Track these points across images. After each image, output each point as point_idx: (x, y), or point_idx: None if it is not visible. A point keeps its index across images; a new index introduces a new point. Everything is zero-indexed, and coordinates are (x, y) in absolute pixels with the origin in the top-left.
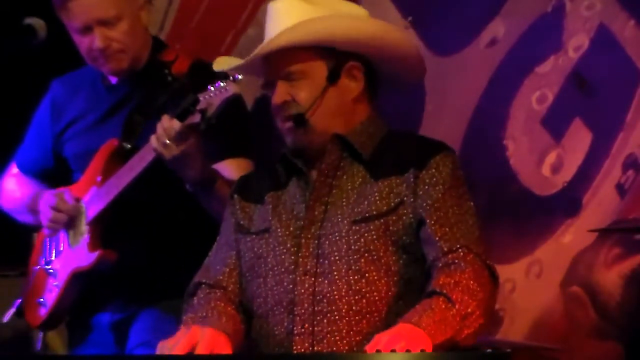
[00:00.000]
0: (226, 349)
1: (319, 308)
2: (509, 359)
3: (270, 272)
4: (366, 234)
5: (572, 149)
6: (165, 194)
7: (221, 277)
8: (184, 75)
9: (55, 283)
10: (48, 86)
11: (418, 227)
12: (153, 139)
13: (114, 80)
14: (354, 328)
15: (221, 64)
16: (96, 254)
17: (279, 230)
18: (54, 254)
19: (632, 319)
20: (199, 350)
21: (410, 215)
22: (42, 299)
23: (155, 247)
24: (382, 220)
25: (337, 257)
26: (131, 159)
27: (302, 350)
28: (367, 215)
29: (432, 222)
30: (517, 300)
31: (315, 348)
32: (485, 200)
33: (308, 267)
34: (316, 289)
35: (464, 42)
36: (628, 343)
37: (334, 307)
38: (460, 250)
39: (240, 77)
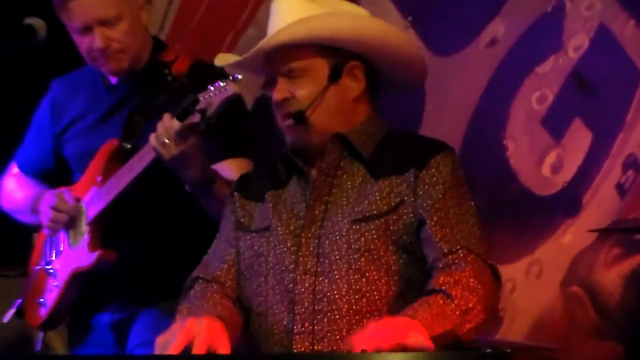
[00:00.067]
0: (223, 336)
1: (319, 307)
2: (509, 359)
3: (271, 271)
4: (366, 234)
5: (572, 149)
6: (165, 194)
7: (219, 273)
8: (184, 75)
9: (55, 283)
10: (48, 86)
11: (418, 227)
12: (152, 138)
13: (114, 80)
14: (354, 327)
15: (222, 59)
16: (96, 254)
17: (279, 229)
18: (54, 254)
19: (632, 319)
20: (197, 344)
21: (411, 215)
22: (42, 299)
23: (155, 247)
24: (382, 220)
25: (337, 257)
26: (131, 159)
27: (302, 349)
28: (367, 214)
29: (433, 223)
30: (517, 300)
31: (316, 347)
32: (485, 200)
33: (308, 266)
34: (316, 288)
35: (464, 42)
36: (628, 343)
37: (334, 307)
38: (460, 251)
39: (240, 77)
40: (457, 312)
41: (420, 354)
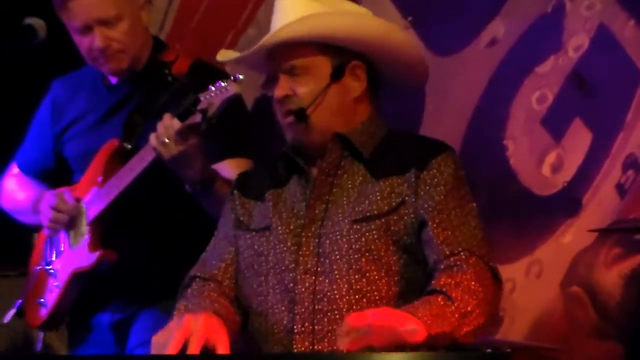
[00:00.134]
0: (221, 331)
1: (320, 307)
2: (509, 359)
3: (272, 271)
4: (367, 234)
5: (572, 149)
6: (166, 194)
7: (216, 272)
8: (185, 75)
9: (55, 283)
10: (48, 86)
11: (419, 227)
12: (152, 138)
13: (114, 80)
14: None
15: (224, 55)
16: (97, 254)
17: (279, 228)
18: (54, 255)
19: (632, 319)
20: (194, 341)
21: (412, 216)
22: (42, 300)
23: (156, 247)
24: (383, 220)
25: (337, 257)
26: (131, 159)
27: (302, 349)
28: (368, 214)
29: (434, 224)
30: (517, 300)
31: (316, 347)
32: (485, 200)
33: (308, 265)
34: (316, 288)
35: (464, 42)
36: (628, 343)
37: (334, 307)
38: (462, 253)
39: (241, 76)
40: (457, 315)
41: (420, 354)
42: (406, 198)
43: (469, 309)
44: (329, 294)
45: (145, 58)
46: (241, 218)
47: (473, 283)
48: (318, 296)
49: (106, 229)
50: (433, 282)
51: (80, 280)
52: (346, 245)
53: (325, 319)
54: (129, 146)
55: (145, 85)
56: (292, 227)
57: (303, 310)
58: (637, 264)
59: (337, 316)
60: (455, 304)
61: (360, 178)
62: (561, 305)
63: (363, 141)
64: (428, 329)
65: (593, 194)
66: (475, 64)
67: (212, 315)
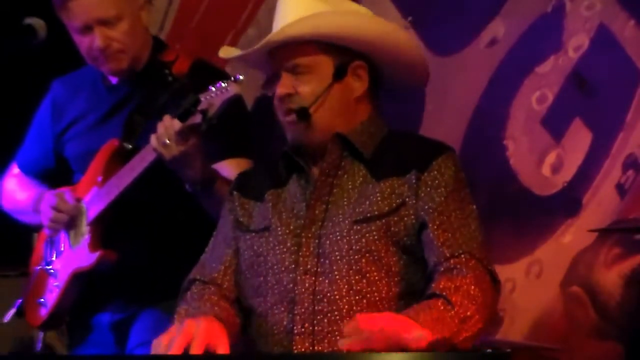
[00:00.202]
0: (222, 337)
1: (319, 308)
2: (509, 359)
3: (270, 271)
4: (367, 234)
5: (572, 149)
6: (166, 195)
7: (216, 275)
8: (185, 76)
9: (55, 283)
10: (49, 86)
11: (419, 229)
12: (153, 139)
13: (114, 80)
14: None
15: (227, 52)
16: (97, 254)
17: (279, 229)
18: (54, 255)
19: (632, 319)
20: (195, 346)
21: (412, 217)
22: (42, 299)
23: (156, 247)
24: (383, 221)
25: (337, 257)
26: (132, 159)
27: (302, 350)
28: (368, 215)
29: (435, 226)
30: (517, 300)
31: (316, 348)
32: (485, 200)
33: (308, 266)
34: (316, 289)
35: (464, 42)
36: (628, 343)
37: (334, 307)
38: (462, 255)
39: (241, 77)
40: (456, 320)
41: (420, 354)
42: (407, 199)
43: (468, 314)
44: (329, 294)
45: (146, 58)
46: (240, 219)
47: (472, 287)
48: (318, 297)
49: (106, 229)
50: (433, 285)
51: (80, 280)
52: (346, 246)
53: (325, 320)
54: (129, 146)
55: (146, 85)
56: (292, 227)
57: (303, 310)
58: (637, 264)
59: (337, 317)
60: (455, 309)
61: (361, 179)
62: (561, 305)
63: (363, 141)
64: (430, 334)
65: (593, 194)
66: (475, 64)
67: (213, 320)
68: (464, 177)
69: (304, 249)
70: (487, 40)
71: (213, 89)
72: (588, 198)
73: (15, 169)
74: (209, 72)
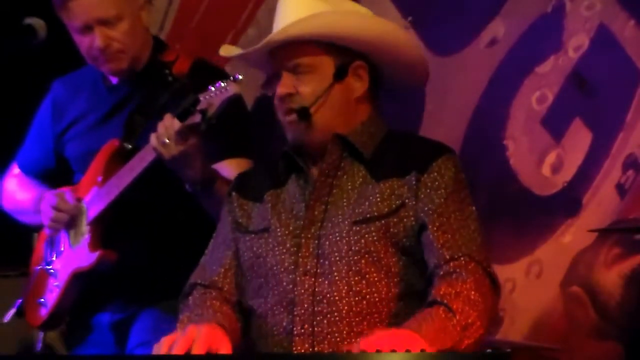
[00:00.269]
0: (224, 342)
1: (319, 309)
2: (509, 359)
3: (270, 272)
4: (367, 235)
5: (572, 149)
6: (166, 194)
7: (216, 278)
8: (185, 76)
9: (55, 283)
10: (49, 86)
11: (419, 230)
12: (153, 138)
13: (114, 80)
14: (355, 329)
15: (228, 50)
16: (97, 254)
17: (278, 230)
18: (54, 254)
19: (632, 319)
20: (196, 348)
21: (412, 218)
22: (42, 299)
23: (156, 247)
24: (382, 222)
25: (337, 258)
26: (132, 159)
27: (302, 351)
28: (367, 216)
29: (435, 228)
30: (517, 300)
31: (316, 348)
32: (485, 200)
33: (308, 267)
34: (316, 290)
35: (464, 42)
36: (628, 343)
37: (334, 308)
38: (462, 258)
39: (240, 77)
40: (458, 328)
41: (420, 354)
42: (406, 201)
43: (469, 321)
44: (328, 295)
45: (146, 58)
46: (239, 220)
47: (473, 293)
48: (318, 298)
49: (106, 228)
50: (433, 291)
51: (80, 280)
52: (346, 247)
53: (325, 321)
54: (130, 146)
55: (146, 85)
56: (291, 228)
57: (303, 311)
58: (637, 264)
59: (337, 318)
60: (457, 317)
61: (360, 179)
62: (561, 305)
63: (363, 142)
64: (432, 345)
65: (593, 194)
66: (475, 64)
67: (215, 327)
68: (464, 179)
69: (304, 250)
70: (487, 40)
71: (212, 88)
72: (588, 198)
73: (15, 169)
74: (210, 72)
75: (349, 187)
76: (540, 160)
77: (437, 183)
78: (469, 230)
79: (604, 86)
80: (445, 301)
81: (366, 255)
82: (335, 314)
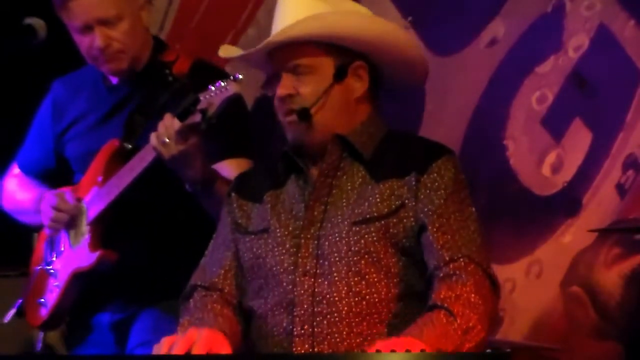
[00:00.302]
0: (224, 346)
1: (319, 309)
2: (509, 359)
3: (270, 273)
4: (366, 236)
5: (572, 149)
6: (166, 194)
7: (217, 280)
8: (185, 76)
9: (56, 283)
10: (49, 86)
11: (419, 231)
12: (153, 137)
13: (115, 80)
14: (354, 330)
15: (227, 51)
16: (97, 254)
17: (277, 230)
18: (54, 255)
19: (632, 319)
20: (196, 350)
21: (412, 219)
22: (42, 299)
23: (156, 247)
24: (382, 222)
25: (337, 258)
26: (132, 159)
27: (302, 351)
28: (367, 216)
29: (434, 229)
30: (517, 300)
31: (316, 349)
32: (485, 200)
33: (308, 267)
34: (316, 290)
35: (464, 42)
36: (628, 343)
37: (334, 309)
38: (461, 259)
39: (240, 76)
40: (459, 332)
41: (421, 354)
42: (406, 201)
43: (470, 324)
44: (328, 296)
45: (146, 58)
46: (239, 221)
47: (473, 295)
48: (317, 298)
49: (106, 228)
50: (433, 295)
51: (80, 280)
52: (345, 247)
53: (325, 321)
54: (130, 146)
55: (146, 85)
56: (290, 228)
57: (302, 312)
58: (637, 264)
59: (337, 318)
60: (458, 321)
61: (360, 180)
62: (561, 305)
63: (363, 142)
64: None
65: (593, 194)
66: (475, 64)
67: (215, 331)
68: (464, 180)
69: (303, 250)
70: (487, 40)
71: (212, 88)
72: (588, 198)
73: (15, 169)
74: (210, 72)
75: (349, 187)
76: (540, 160)
77: (436, 184)
78: (469, 231)
79: (604, 86)
80: (445, 305)
81: (366, 256)
82: (335, 314)
